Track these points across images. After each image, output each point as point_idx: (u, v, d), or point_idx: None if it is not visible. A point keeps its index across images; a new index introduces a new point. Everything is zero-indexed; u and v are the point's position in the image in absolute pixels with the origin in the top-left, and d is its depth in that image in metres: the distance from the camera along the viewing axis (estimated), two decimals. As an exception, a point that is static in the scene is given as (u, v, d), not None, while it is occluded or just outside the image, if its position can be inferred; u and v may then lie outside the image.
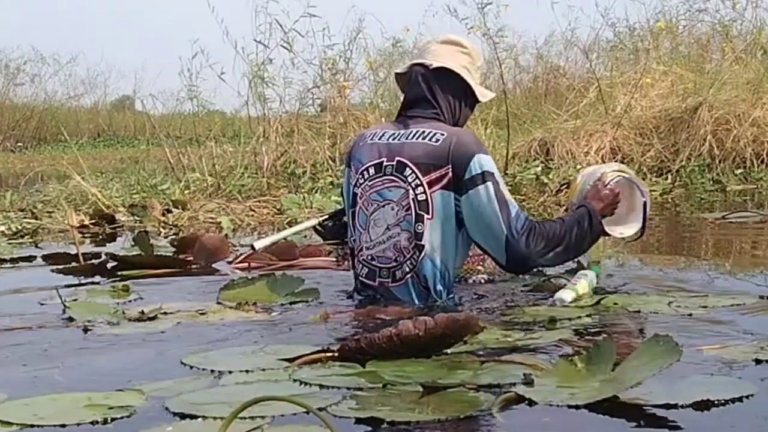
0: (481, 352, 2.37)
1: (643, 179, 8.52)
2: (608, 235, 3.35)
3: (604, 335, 2.18)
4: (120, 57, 48.95)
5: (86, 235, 5.95)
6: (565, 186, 7.99)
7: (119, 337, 2.77)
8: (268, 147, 8.61)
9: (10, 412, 1.94)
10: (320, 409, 1.85)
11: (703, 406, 1.89)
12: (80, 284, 3.80)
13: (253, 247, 3.86)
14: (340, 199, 3.75)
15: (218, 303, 3.26)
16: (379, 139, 3.28)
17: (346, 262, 4.00)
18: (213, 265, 4.19)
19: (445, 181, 3.12)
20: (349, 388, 2.06)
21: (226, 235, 5.63)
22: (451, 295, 3.22)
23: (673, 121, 9.24)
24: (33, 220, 6.57)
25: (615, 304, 2.98)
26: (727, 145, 8.95)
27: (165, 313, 3.05)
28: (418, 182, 3.14)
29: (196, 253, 4.22)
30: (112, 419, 1.90)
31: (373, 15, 12.09)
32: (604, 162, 8.83)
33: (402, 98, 3.43)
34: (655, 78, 9.85)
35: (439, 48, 3.38)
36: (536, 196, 7.54)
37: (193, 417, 1.90)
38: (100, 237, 6.02)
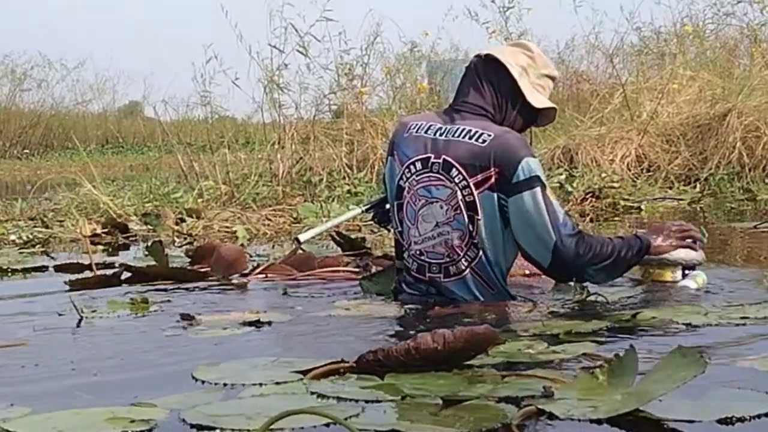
0: (502, 365, 2.41)
1: (670, 188, 8.57)
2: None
3: (628, 347, 2.21)
4: (129, 62, 49.13)
5: (98, 245, 6.02)
6: (590, 194, 8.01)
7: (138, 349, 2.84)
8: (283, 154, 8.67)
9: (32, 427, 1.98)
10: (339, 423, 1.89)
11: (727, 421, 1.91)
12: (90, 296, 3.85)
13: (297, 240, 3.98)
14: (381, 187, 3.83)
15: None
16: (425, 132, 3.36)
17: (375, 270, 4.10)
18: (230, 276, 4.24)
19: (491, 182, 3.22)
20: (367, 401, 2.09)
21: (242, 244, 5.69)
22: (509, 293, 3.33)
23: (701, 128, 9.27)
24: (44, 229, 6.65)
25: (653, 317, 2.98)
26: (758, 153, 8.97)
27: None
28: (465, 183, 3.24)
29: (213, 265, 4.27)
30: (135, 433, 1.94)
31: (391, 19, 12.19)
32: (629, 170, 8.87)
33: None
34: (682, 83, 9.88)
35: (504, 47, 3.50)
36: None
37: (210, 429, 1.94)
38: (113, 246, 6.09)
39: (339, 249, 4.89)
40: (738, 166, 8.93)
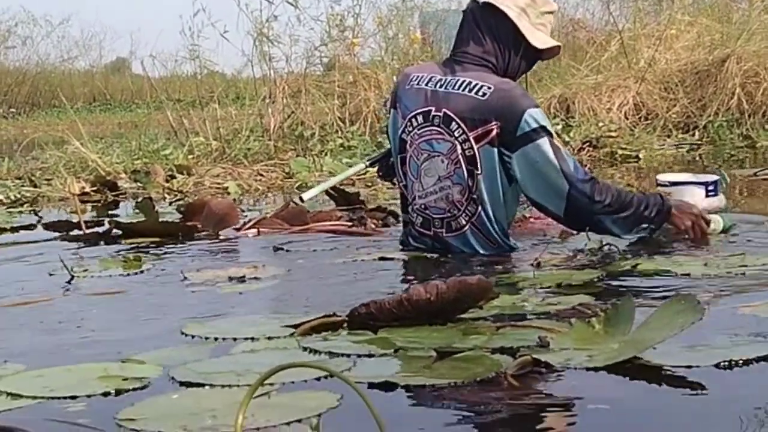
0: (496, 318, 2.41)
1: (668, 136, 8.57)
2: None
3: (625, 296, 2.21)
4: (115, 17, 48.88)
5: (88, 203, 6.01)
6: (587, 144, 8.02)
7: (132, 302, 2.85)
8: (275, 108, 8.64)
9: (23, 384, 1.98)
10: (331, 376, 1.89)
11: (726, 365, 1.92)
12: (81, 255, 3.86)
13: (301, 199, 3.99)
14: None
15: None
16: (426, 84, 3.35)
17: (364, 226, 4.11)
18: (220, 232, 4.24)
19: (491, 136, 3.22)
20: (359, 355, 2.09)
21: (234, 200, 5.69)
22: (514, 243, 3.36)
23: (699, 75, 9.25)
24: (32, 188, 6.65)
25: (652, 268, 2.96)
26: (757, 99, 8.96)
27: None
28: (465, 137, 3.24)
29: (204, 220, 4.27)
30: (126, 390, 1.94)
31: (382, -32, 12.10)
32: (627, 118, 8.85)
33: None
34: (680, 29, 9.84)
35: None
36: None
37: (200, 386, 1.94)
38: (102, 204, 6.08)
39: (333, 203, 4.88)
40: (737, 113, 8.92)
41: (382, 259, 3.37)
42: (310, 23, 9.33)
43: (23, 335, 2.53)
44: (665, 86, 9.27)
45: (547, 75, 10.07)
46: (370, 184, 6.29)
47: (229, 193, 6.31)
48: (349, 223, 4.25)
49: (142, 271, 3.35)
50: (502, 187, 3.26)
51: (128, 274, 3.31)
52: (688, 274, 2.88)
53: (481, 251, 3.31)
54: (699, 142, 8.47)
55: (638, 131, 8.63)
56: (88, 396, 1.91)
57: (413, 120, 3.35)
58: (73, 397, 1.91)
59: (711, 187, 3.76)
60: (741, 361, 1.94)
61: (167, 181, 6.81)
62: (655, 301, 2.49)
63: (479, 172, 3.24)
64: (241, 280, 3.09)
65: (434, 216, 3.34)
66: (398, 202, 3.70)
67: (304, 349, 2.17)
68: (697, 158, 7.77)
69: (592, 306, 2.45)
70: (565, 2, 13.32)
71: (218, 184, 6.76)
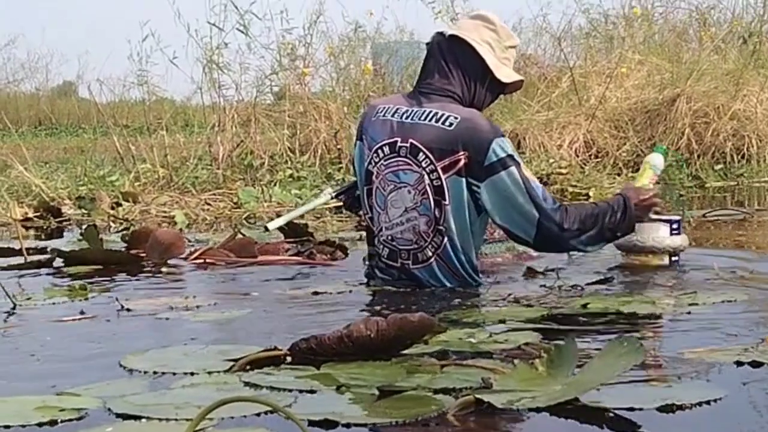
0: (441, 355, 2.42)
1: (618, 174, 8.65)
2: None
3: (568, 337, 2.24)
4: (63, 40, 48.51)
5: (30, 229, 5.96)
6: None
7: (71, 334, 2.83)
8: (224, 137, 8.62)
9: (-44, 414, 1.97)
10: (272, 412, 1.88)
11: (667, 409, 1.94)
12: (22, 283, 3.83)
13: (266, 228, 4.02)
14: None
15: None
16: (392, 115, 3.39)
17: (313, 260, 4.12)
18: (168, 261, 4.23)
19: (458, 166, 3.26)
20: (301, 391, 2.09)
21: (181, 229, 5.67)
22: (481, 277, 3.41)
23: (649, 113, 9.37)
24: (-27, 214, 6.58)
25: (604, 309, 2.98)
26: (706, 140, 9.08)
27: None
28: (432, 167, 3.28)
29: (149, 249, 4.25)
30: (62, 421, 1.93)
31: (334, -3, 12.14)
32: (578, 155, 8.94)
33: None
34: (631, 67, 9.97)
35: (465, 21, 3.53)
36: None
37: (136, 418, 1.94)
38: (46, 231, 6.04)
39: (281, 235, 4.88)
40: (687, 153, 9.03)
41: (315, 293, 3.40)
42: (260, 51, 9.30)
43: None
44: (615, 124, 9.37)
45: (498, 110, 10.15)
46: (318, 215, 6.29)
47: (175, 223, 6.28)
48: (296, 257, 4.25)
49: (87, 299, 3.34)
50: (469, 217, 3.30)
51: (72, 302, 3.29)
52: (635, 314, 2.92)
53: (447, 283, 3.35)
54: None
55: (588, 169, 8.71)
56: (23, 426, 1.91)
57: (379, 151, 3.38)
58: (7, 427, 1.90)
59: (675, 225, 3.85)
60: (684, 404, 1.96)
61: (113, 208, 6.77)
62: (601, 341, 2.52)
63: (446, 202, 3.28)
64: (184, 310, 3.08)
65: (401, 247, 3.37)
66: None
67: (246, 383, 2.17)
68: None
69: (537, 346, 2.48)
70: (518, 37, 13.46)
71: (165, 212, 6.73)
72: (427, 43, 3.51)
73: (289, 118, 8.97)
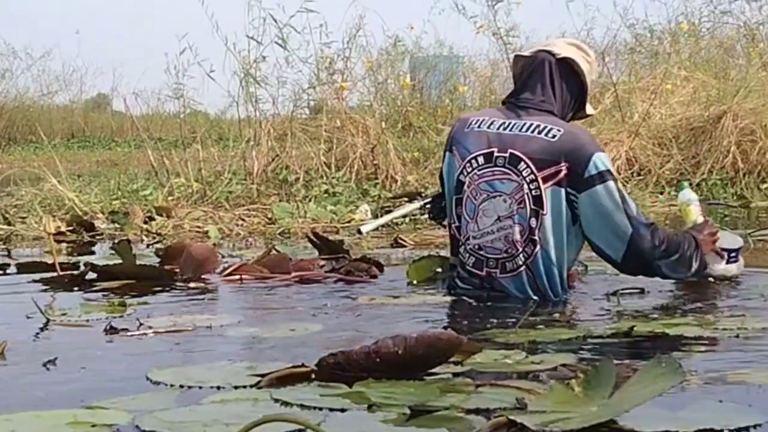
0: (476, 375, 2.42)
1: (661, 193, 8.63)
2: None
3: (605, 358, 2.24)
4: (98, 52, 48.85)
5: (62, 243, 6.01)
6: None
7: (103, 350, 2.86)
8: (259, 151, 8.63)
9: (-9, 430, 1.99)
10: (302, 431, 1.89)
11: (707, 433, 1.92)
12: (55, 297, 3.87)
13: (359, 231, 4.23)
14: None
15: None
16: (488, 127, 3.52)
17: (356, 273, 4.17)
18: (201, 277, 4.26)
19: (559, 177, 3.39)
20: (332, 409, 2.10)
21: (214, 244, 5.70)
22: (566, 293, 3.50)
23: (694, 131, 9.31)
24: (5, 226, 6.64)
25: (650, 331, 2.97)
26: (752, 158, 9.02)
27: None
28: (533, 177, 3.40)
29: (183, 264, 4.28)
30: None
31: (375, 11, 12.12)
32: (620, 173, 8.91)
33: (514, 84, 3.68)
34: (676, 84, 9.92)
35: (566, 46, 3.65)
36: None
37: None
38: (78, 245, 6.09)
39: (316, 251, 4.90)
40: (732, 172, 8.97)
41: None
42: (298, 65, 9.33)
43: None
44: (659, 142, 9.32)
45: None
46: (353, 232, 6.31)
47: (209, 237, 6.32)
48: (330, 274, 4.27)
49: (121, 316, 3.36)
50: (566, 227, 3.41)
51: (105, 318, 3.32)
52: (681, 336, 2.91)
53: (532, 294, 3.44)
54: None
55: (631, 186, 8.69)
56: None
57: (473, 161, 3.50)
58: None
59: (733, 254, 3.91)
60: (723, 429, 1.94)
61: (146, 222, 6.81)
62: (643, 363, 2.51)
63: (544, 212, 3.39)
64: (214, 326, 3.11)
65: (489, 256, 3.47)
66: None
67: (276, 400, 2.18)
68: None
69: (574, 367, 2.48)
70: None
71: (198, 227, 6.76)
72: (530, 58, 3.61)
73: (326, 133, 8.98)
